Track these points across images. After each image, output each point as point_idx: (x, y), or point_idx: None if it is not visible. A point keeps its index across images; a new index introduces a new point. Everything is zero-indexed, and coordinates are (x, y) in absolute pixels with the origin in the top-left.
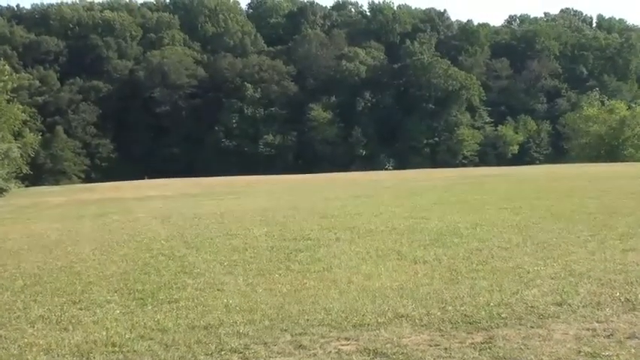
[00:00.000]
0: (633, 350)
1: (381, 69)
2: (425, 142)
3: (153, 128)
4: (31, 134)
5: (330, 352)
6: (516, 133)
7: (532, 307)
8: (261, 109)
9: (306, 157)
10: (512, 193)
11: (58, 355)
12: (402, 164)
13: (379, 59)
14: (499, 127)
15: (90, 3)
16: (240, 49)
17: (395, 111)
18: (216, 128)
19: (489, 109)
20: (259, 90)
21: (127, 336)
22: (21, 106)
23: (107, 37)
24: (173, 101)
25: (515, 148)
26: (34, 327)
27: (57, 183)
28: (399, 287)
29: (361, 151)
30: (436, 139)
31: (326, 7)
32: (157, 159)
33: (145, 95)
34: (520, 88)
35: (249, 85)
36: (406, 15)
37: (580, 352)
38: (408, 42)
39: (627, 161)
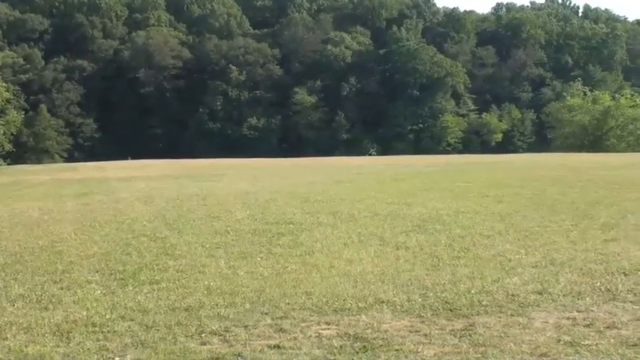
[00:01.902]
0: (612, 340)
1: (367, 54)
2: (409, 128)
3: (137, 109)
4: (14, 112)
5: (311, 336)
6: (500, 121)
7: (513, 295)
8: (246, 91)
9: (290, 141)
10: (495, 181)
11: (37, 334)
12: (385, 150)
13: (365, 44)
14: (483, 115)
15: None
16: (226, 31)
17: (380, 97)
18: (201, 110)
19: (474, 96)
20: (244, 73)
21: (107, 316)
22: (4, 84)
23: (92, 17)
24: (157, 82)
25: (499, 136)
26: (14, 305)
27: (39, 162)
28: (381, 273)
29: (345, 136)
30: (420, 125)
31: None
32: (141, 140)
33: (129, 76)
34: (505, 77)
35: (234, 68)
36: (392, 1)
37: (560, 340)
38: (394, 28)
39: (610, 152)
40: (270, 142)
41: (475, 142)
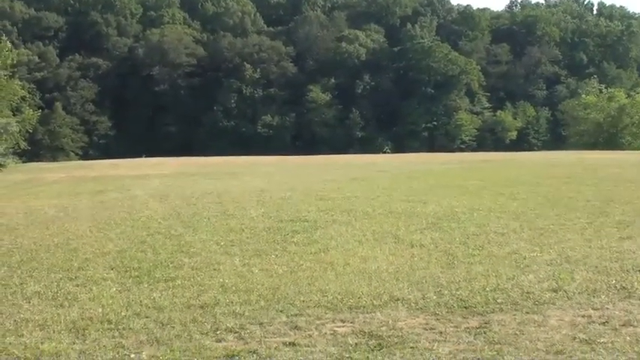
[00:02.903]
0: (628, 338)
1: (381, 52)
2: (423, 126)
3: (151, 106)
4: (30, 110)
5: (326, 333)
6: (515, 119)
7: (528, 292)
8: (260, 89)
9: (305, 139)
10: (509, 178)
11: (53, 331)
12: (400, 148)
13: (379, 42)
14: (498, 113)
15: None
16: (240, 28)
17: (394, 94)
18: (215, 108)
19: (488, 94)
20: (258, 70)
21: (122, 313)
22: (20, 83)
23: (107, 14)
24: (172, 80)
25: (514, 134)
26: (29, 302)
27: (55, 159)
28: (396, 270)
29: (359, 134)
30: (434, 123)
31: None
32: (155, 137)
33: (143, 73)
34: (519, 74)
35: (248, 66)
36: None
37: (575, 338)
38: (408, 25)
39: (625, 149)
40: (284, 140)
41: (489, 140)
